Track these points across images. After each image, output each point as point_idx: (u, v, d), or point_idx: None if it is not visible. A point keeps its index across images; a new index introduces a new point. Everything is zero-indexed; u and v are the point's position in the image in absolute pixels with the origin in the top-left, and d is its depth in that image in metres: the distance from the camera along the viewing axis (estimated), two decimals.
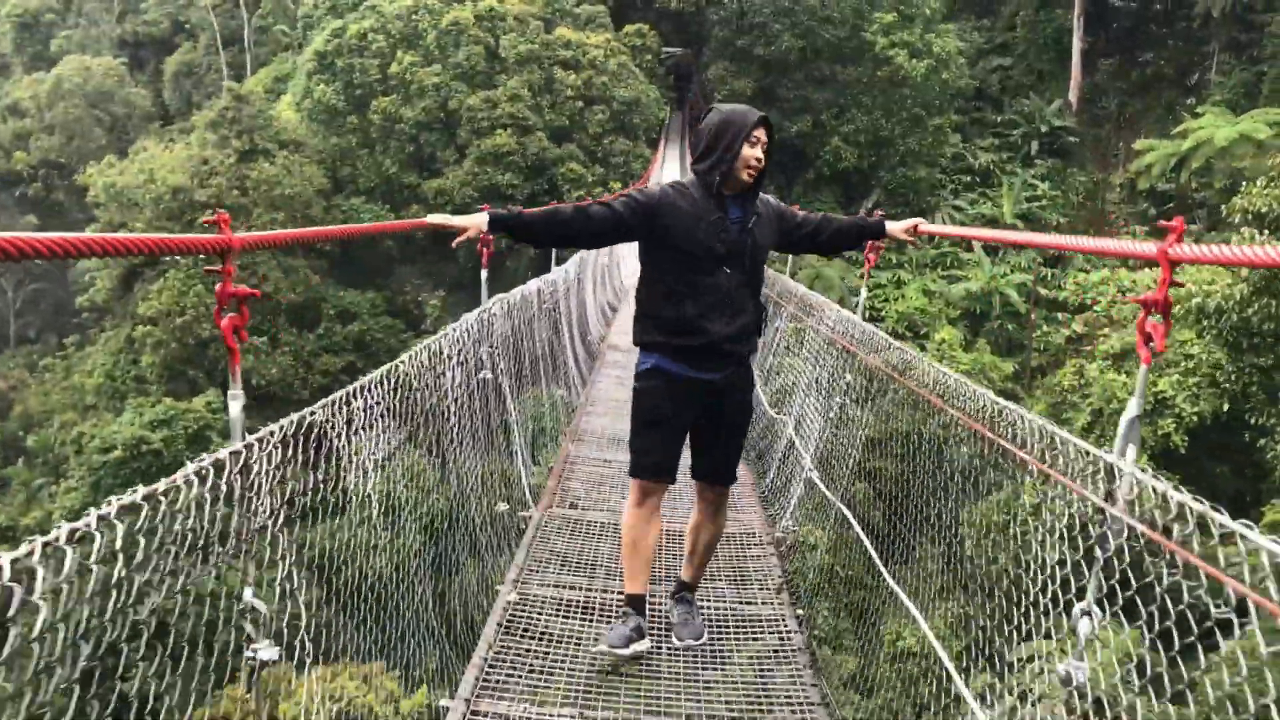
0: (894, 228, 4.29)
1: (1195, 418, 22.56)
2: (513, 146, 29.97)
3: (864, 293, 6.40)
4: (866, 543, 4.99)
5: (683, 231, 3.86)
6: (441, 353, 4.88)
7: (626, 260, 20.22)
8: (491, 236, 4.24)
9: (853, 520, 5.19)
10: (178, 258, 28.23)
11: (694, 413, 4.09)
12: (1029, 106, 37.43)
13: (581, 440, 8.71)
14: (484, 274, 6.09)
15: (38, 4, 58.69)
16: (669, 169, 32.57)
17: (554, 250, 10.60)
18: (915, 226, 4.33)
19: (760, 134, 3.87)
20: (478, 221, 3.83)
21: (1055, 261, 32.04)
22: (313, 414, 3.06)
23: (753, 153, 3.84)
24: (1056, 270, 31.63)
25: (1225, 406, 22.82)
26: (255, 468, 2.63)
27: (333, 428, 3.30)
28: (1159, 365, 23.64)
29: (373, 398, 3.73)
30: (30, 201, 45.75)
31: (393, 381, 3.93)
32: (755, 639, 4.69)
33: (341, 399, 3.39)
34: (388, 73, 31.24)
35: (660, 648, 4.38)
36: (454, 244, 4.07)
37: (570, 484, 7.23)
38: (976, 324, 30.15)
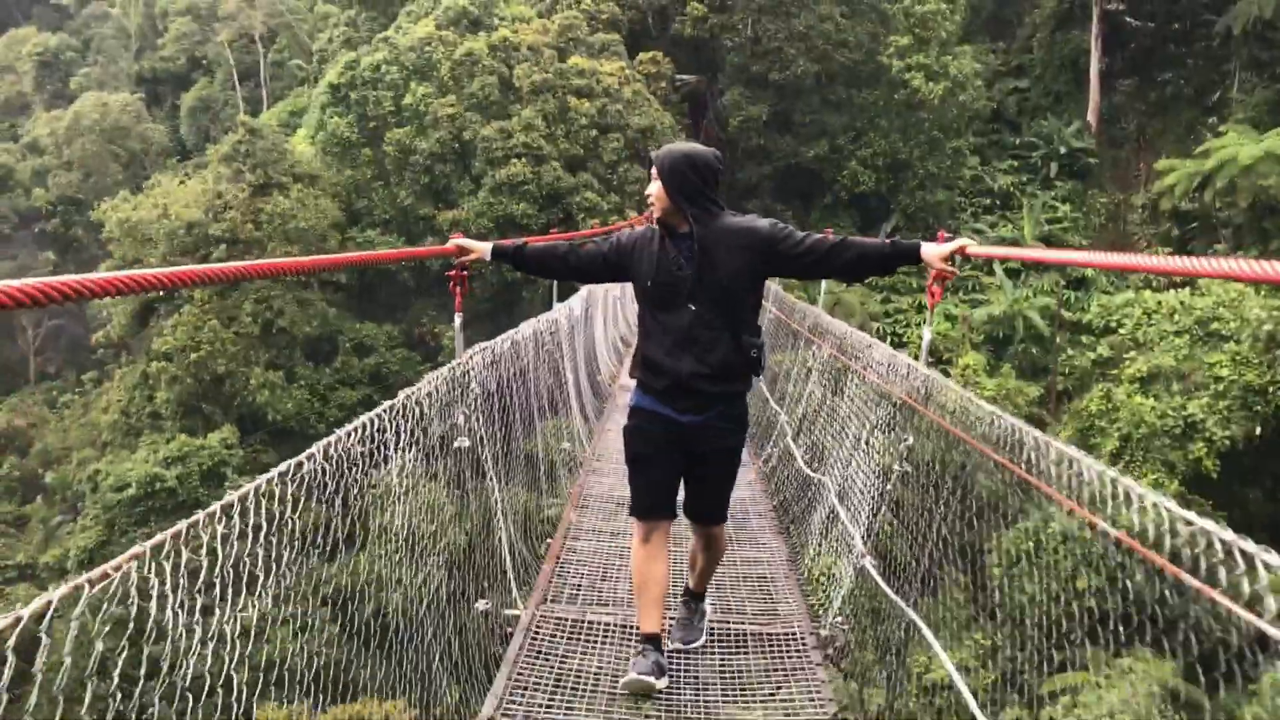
0: (932, 252, 3.86)
1: (1227, 441, 22.13)
2: (527, 176, 29.79)
3: (927, 334, 5.16)
4: (898, 602, 4.63)
5: (643, 270, 3.96)
6: (384, 430, 3.60)
7: None
8: (466, 274, 4.68)
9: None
10: (194, 295, 28.19)
11: (675, 452, 4.07)
12: (1047, 128, 37.11)
13: (585, 506, 7.40)
14: (457, 320, 4.91)
15: (58, 42, 59.34)
16: None
17: (555, 282, 9.99)
18: (962, 249, 3.89)
19: (652, 170, 3.93)
20: (484, 249, 4.36)
21: (1079, 284, 31.64)
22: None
23: (650, 189, 3.96)
24: (1080, 293, 31.23)
25: (1258, 430, 22.43)
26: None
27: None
28: (1188, 388, 23.27)
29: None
30: (50, 238, 45.98)
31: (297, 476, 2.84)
32: None
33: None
34: (401, 104, 31.17)
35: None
36: (459, 262, 4.59)
37: (570, 568, 5.97)
38: (1000, 348, 29.73)
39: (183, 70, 53.60)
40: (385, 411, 3.59)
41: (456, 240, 4.54)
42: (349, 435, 3.19)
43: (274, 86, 50.92)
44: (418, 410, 3.96)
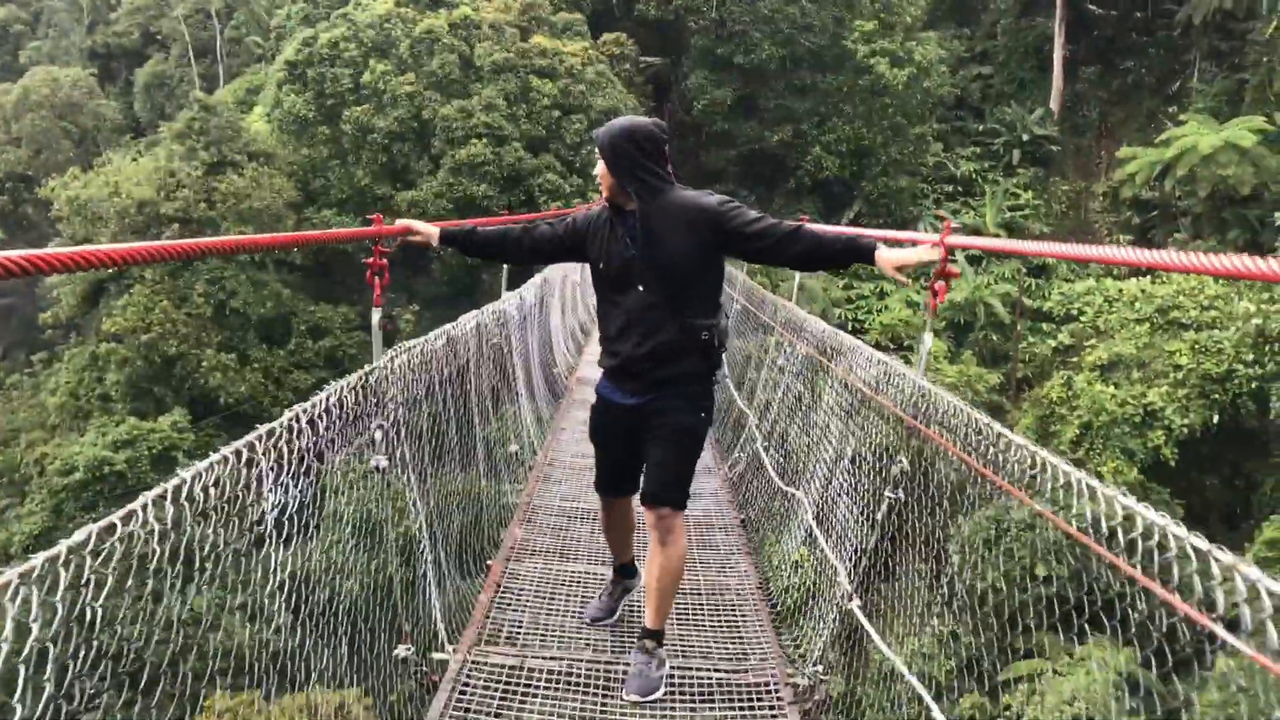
0: (886, 259, 3.57)
1: (1185, 429, 22.28)
2: (488, 157, 29.31)
3: (928, 340, 4.23)
4: (866, 625, 4.36)
5: (595, 251, 3.90)
6: (257, 463, 2.86)
7: None
8: (386, 263, 4.00)
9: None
10: (144, 274, 27.53)
11: (626, 434, 4.06)
12: (1010, 115, 37.13)
13: (532, 520, 6.50)
14: (375, 316, 4.07)
15: (5, 14, 57.88)
16: None
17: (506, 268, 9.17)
18: (940, 245, 3.60)
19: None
20: (431, 232, 4.17)
21: (1039, 271, 31.74)
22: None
23: (596, 169, 3.88)
24: (1041, 280, 31.31)
25: (1215, 418, 22.59)
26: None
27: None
28: (1148, 376, 23.37)
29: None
30: None
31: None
32: None
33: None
34: (360, 82, 30.55)
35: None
36: (399, 242, 4.40)
37: (510, 597, 5.12)
38: (960, 335, 29.74)
39: (137, 45, 52.43)
40: (260, 439, 2.84)
41: (403, 221, 4.27)
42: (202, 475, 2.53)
43: (231, 63, 49.92)
44: (309, 430, 3.17)
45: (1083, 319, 26.50)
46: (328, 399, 3.38)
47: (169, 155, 29.94)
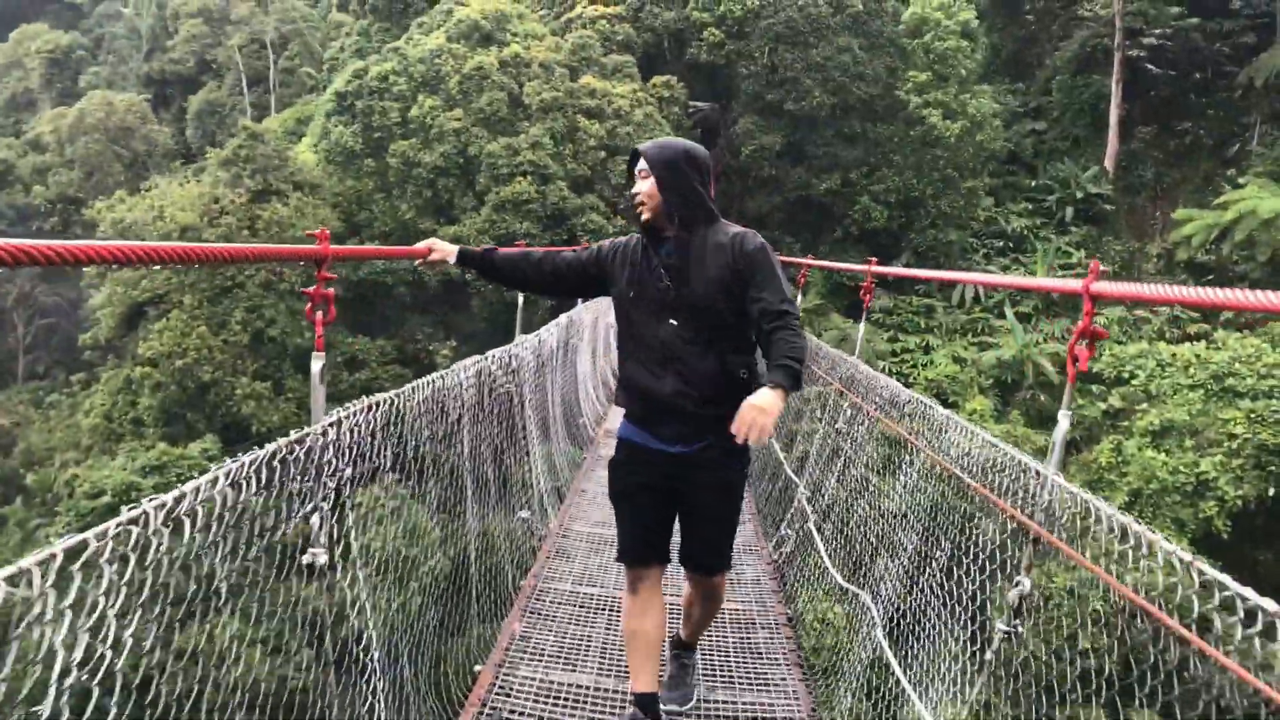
0: (752, 399, 3.10)
1: (1239, 501, 21.59)
2: (532, 195, 29.12)
3: (1064, 424, 3.44)
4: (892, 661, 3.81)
5: (624, 279, 3.61)
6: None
7: None
8: (331, 293, 3.25)
9: None
10: (183, 300, 27.47)
11: (665, 489, 3.61)
12: (1064, 172, 36.54)
13: (538, 610, 5.44)
14: (315, 363, 3.25)
15: (69, 41, 58.97)
16: None
17: (520, 306, 8.20)
18: (1083, 294, 3.21)
19: (637, 167, 3.58)
20: (450, 250, 3.86)
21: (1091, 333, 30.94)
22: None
23: (637, 188, 3.56)
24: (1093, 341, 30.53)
25: (1271, 491, 21.87)
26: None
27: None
28: (1201, 444, 22.64)
29: None
30: (47, 236, 45.29)
31: None
32: None
33: None
34: (408, 116, 30.54)
35: None
36: (418, 263, 3.97)
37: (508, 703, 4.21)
38: (1008, 394, 29.02)
39: (192, 73, 53.22)
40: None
41: (426, 242, 3.94)
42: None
43: (282, 93, 50.48)
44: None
45: (1134, 383, 25.78)
46: (227, 475, 2.57)
47: (214, 181, 30.03)
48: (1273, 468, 21.80)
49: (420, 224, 30.10)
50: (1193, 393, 24.08)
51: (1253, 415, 22.38)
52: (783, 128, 34.12)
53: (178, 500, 2.34)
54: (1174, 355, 25.67)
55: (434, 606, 4.69)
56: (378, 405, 3.66)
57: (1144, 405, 24.78)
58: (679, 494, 3.61)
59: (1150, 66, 37.24)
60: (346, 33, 45.91)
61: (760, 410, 3.03)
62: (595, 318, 12.69)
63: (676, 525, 3.74)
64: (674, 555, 3.79)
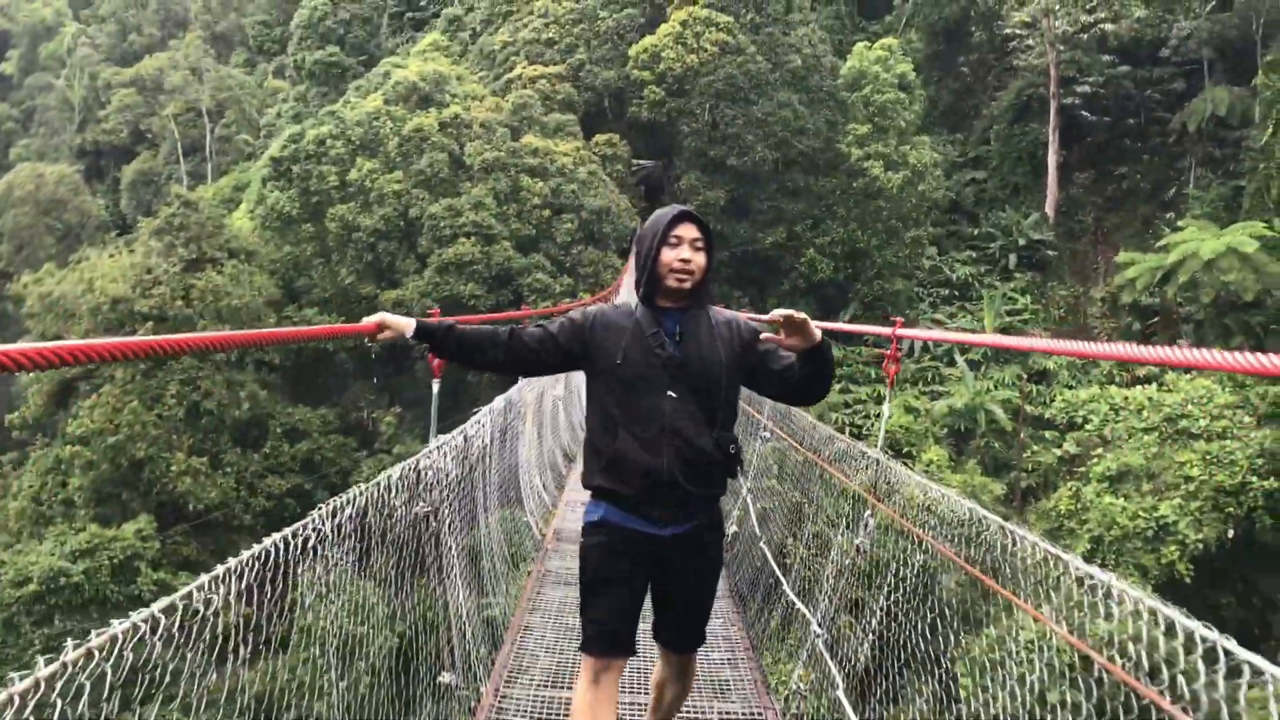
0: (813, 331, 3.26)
1: (1200, 545, 21.45)
2: (476, 256, 28.57)
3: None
4: None
5: (616, 349, 3.36)
6: None
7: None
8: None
9: None
10: (114, 374, 26.47)
11: (647, 575, 3.41)
12: (1006, 219, 36.87)
13: None
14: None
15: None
16: None
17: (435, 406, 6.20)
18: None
19: (683, 232, 3.36)
20: (406, 324, 3.46)
21: (1041, 378, 31.02)
22: None
23: (674, 255, 3.33)
24: (1042, 386, 30.53)
25: (1230, 532, 21.78)
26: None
27: None
28: (1159, 488, 22.51)
29: None
30: None
31: None
32: None
33: None
34: (346, 179, 29.97)
35: None
36: (368, 340, 3.68)
37: None
38: (961, 442, 28.77)
39: (125, 143, 52.38)
40: None
41: (377, 316, 3.53)
42: None
43: (219, 161, 49.78)
44: None
45: (1088, 428, 25.66)
46: None
47: (146, 251, 29.14)
48: (1230, 509, 21.74)
49: (361, 289, 29.42)
50: (1147, 436, 24.02)
51: (1208, 457, 22.35)
52: (726, 183, 34.04)
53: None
54: (1126, 399, 25.61)
55: None
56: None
57: (1099, 450, 24.65)
58: (661, 577, 3.45)
59: (1085, 114, 37.85)
60: (283, 99, 45.48)
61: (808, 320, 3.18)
62: (540, 392, 10.81)
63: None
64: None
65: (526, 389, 9.30)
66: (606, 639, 3.36)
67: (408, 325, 3.45)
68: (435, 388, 5.26)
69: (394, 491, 4.17)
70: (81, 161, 52.77)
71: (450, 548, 5.34)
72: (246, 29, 58.23)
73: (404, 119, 30.81)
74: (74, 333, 27.61)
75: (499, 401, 7.43)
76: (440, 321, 3.52)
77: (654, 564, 3.38)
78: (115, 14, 63.64)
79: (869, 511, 4.60)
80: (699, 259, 3.35)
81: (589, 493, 3.45)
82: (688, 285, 3.34)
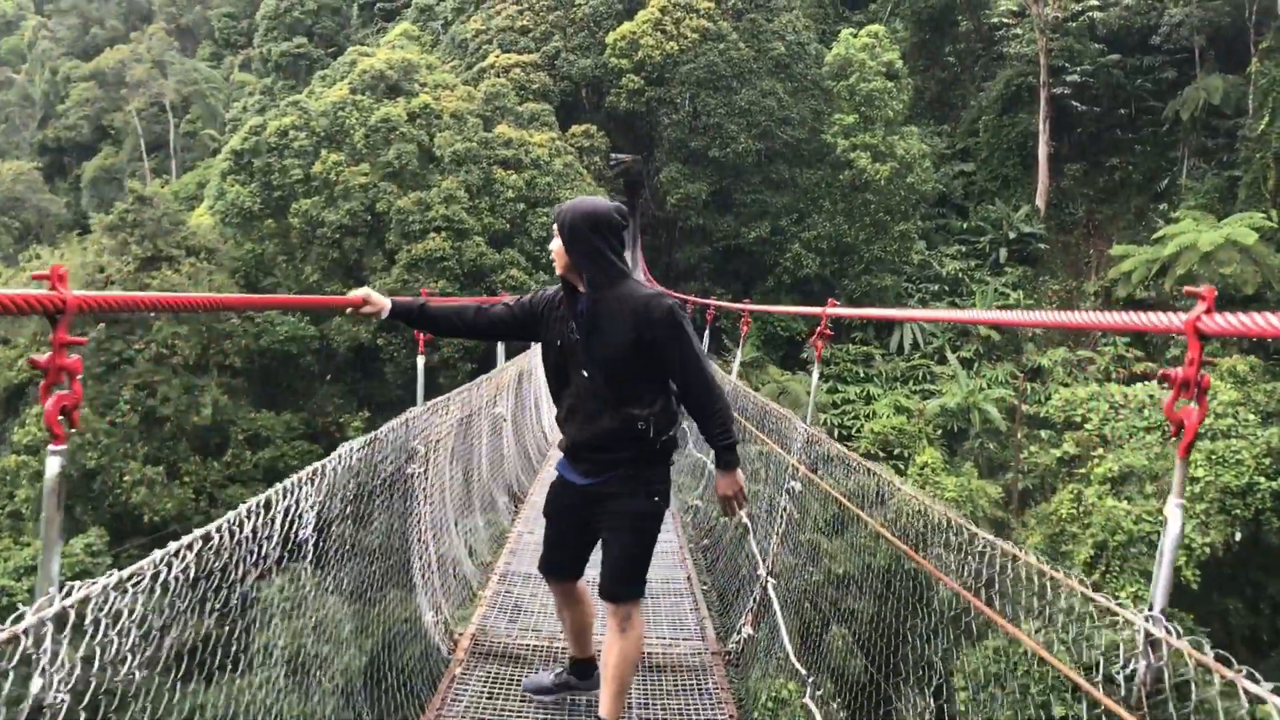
0: (720, 480, 3.86)
1: (1207, 549, 20.58)
2: (447, 251, 27.26)
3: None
4: None
5: (547, 331, 3.81)
6: None
7: None
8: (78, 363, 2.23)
9: None
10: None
11: (577, 517, 3.90)
12: (996, 213, 35.90)
13: None
14: (51, 464, 1.96)
15: None
16: None
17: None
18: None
19: (553, 225, 3.71)
20: (384, 304, 3.87)
21: (1034, 375, 30.05)
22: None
23: (551, 244, 3.73)
24: (1037, 384, 29.54)
25: (1237, 535, 21.00)
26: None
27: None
28: (1163, 490, 21.52)
29: None
30: None
31: None
32: None
33: None
34: (310, 173, 28.58)
35: None
36: (349, 312, 3.96)
37: None
38: (954, 442, 27.71)
39: (87, 139, 50.86)
40: None
41: (362, 290, 3.86)
42: None
43: (184, 157, 48.35)
44: None
45: (1087, 427, 24.65)
46: None
47: (99, 250, 27.69)
48: (1237, 511, 20.93)
49: (327, 287, 28.05)
50: (1149, 435, 23.11)
51: (1213, 456, 21.50)
52: (708, 175, 32.84)
53: None
54: (1126, 397, 24.64)
55: None
56: None
57: (1099, 450, 23.67)
58: (583, 520, 3.88)
59: (1075, 104, 36.91)
60: (250, 92, 44.05)
61: (730, 496, 3.82)
62: (520, 372, 10.19)
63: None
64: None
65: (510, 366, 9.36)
66: (544, 563, 4.06)
67: (386, 305, 3.85)
68: (420, 363, 5.82)
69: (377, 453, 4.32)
70: (43, 158, 51.26)
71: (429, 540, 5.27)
72: (212, 21, 56.91)
73: (371, 109, 29.46)
74: (22, 335, 26.23)
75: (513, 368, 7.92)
76: (413, 300, 4.02)
77: (580, 507, 3.84)
78: (77, 7, 61.98)
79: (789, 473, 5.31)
80: (554, 244, 3.64)
81: None
82: (558, 270, 3.67)
